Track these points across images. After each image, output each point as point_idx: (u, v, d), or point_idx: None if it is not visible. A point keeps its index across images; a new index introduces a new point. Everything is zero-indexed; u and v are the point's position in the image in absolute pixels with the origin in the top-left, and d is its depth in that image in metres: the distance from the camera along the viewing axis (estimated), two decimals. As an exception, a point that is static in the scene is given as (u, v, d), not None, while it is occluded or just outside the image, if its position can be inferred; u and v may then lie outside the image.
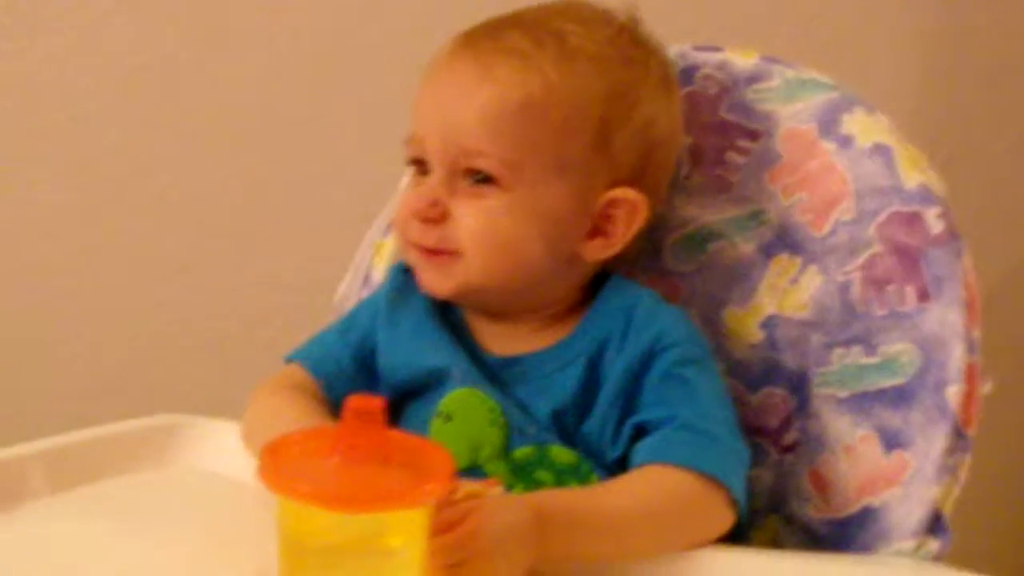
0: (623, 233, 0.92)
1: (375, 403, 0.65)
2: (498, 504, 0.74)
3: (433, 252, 0.90)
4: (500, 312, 0.94)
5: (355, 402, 0.65)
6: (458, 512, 0.71)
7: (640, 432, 0.87)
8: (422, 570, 0.67)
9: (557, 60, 0.89)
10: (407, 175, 1.08)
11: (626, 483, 0.82)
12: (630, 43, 0.93)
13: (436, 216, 0.89)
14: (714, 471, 0.82)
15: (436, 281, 0.91)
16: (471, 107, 0.88)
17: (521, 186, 0.88)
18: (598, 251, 0.92)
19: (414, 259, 0.92)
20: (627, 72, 0.92)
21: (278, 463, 0.65)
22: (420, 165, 0.92)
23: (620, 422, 0.88)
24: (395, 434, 0.67)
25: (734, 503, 0.83)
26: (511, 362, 0.92)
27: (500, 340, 0.94)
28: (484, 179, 0.88)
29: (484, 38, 0.91)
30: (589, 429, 0.89)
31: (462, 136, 0.88)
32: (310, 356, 0.97)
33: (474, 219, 0.88)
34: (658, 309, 0.92)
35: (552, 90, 0.88)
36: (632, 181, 0.92)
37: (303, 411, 0.88)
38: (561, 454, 0.89)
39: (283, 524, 0.65)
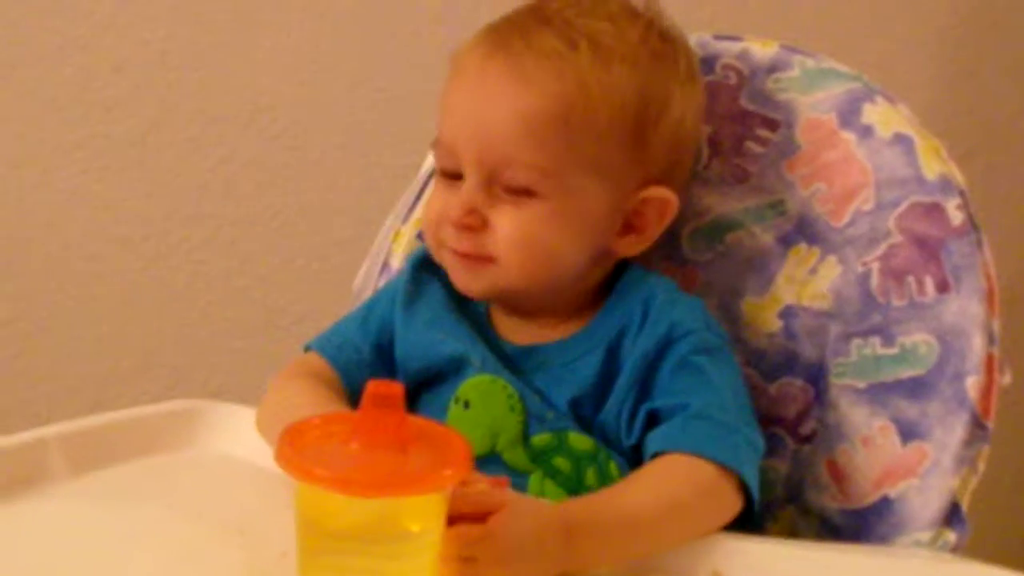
0: (654, 229, 0.93)
1: (395, 388, 0.66)
2: (525, 508, 0.73)
3: (469, 256, 0.90)
4: (523, 305, 0.94)
5: (375, 387, 0.66)
6: (478, 505, 0.70)
7: (653, 419, 0.87)
8: (439, 554, 0.67)
9: (593, 64, 0.88)
10: (428, 163, 1.08)
11: (645, 478, 0.82)
12: (658, 39, 0.92)
13: (474, 224, 0.88)
14: (725, 458, 0.82)
15: (470, 282, 0.91)
16: (510, 117, 0.87)
17: (560, 194, 0.88)
18: (630, 247, 0.93)
19: (448, 260, 0.92)
20: (659, 71, 0.91)
21: (297, 447, 0.65)
22: (451, 170, 0.91)
23: (634, 409, 0.88)
24: (414, 420, 0.68)
25: (745, 490, 0.82)
26: (530, 351, 0.92)
27: (520, 330, 0.94)
28: (524, 190, 0.87)
29: (515, 38, 0.89)
30: (606, 417, 0.89)
31: (501, 146, 0.87)
32: (329, 345, 0.97)
33: (512, 228, 0.88)
34: (675, 298, 0.92)
35: (590, 97, 0.87)
36: (662, 178, 0.92)
37: (319, 399, 0.88)
38: (579, 441, 0.89)
39: (301, 508, 0.66)
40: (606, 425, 0.89)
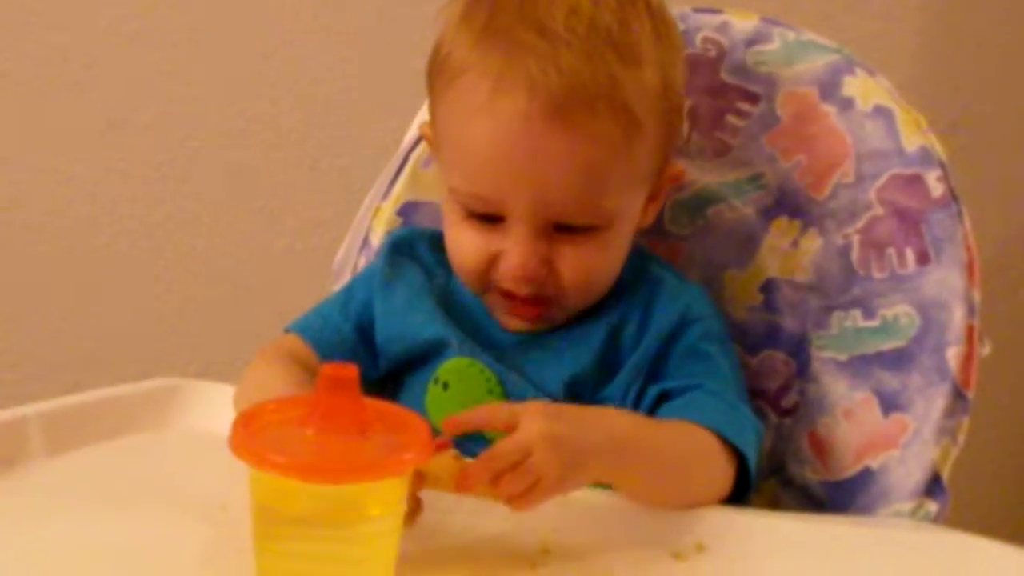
0: (664, 197, 0.95)
1: (350, 371, 0.65)
2: (556, 408, 0.77)
3: (529, 301, 0.89)
4: None
5: (330, 370, 0.64)
6: (519, 449, 0.71)
7: (662, 400, 0.87)
8: (399, 538, 0.66)
9: (628, 77, 0.84)
10: (408, 139, 1.08)
11: (669, 427, 0.82)
12: (661, 22, 0.90)
13: (542, 275, 0.87)
14: (735, 438, 0.83)
15: (531, 319, 0.90)
16: (572, 172, 0.83)
17: (618, 220, 0.88)
18: (650, 218, 0.95)
19: (502, 304, 0.90)
20: (666, 53, 0.89)
21: (252, 433, 0.64)
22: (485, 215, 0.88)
23: (642, 389, 0.89)
24: (371, 402, 0.67)
25: (745, 473, 0.83)
26: (533, 335, 0.92)
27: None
28: (580, 229, 0.86)
29: (545, 70, 0.82)
30: (610, 394, 0.89)
31: (562, 200, 0.84)
32: (310, 327, 0.96)
33: (578, 269, 0.87)
34: (684, 284, 0.94)
35: (640, 121, 0.85)
36: (675, 151, 0.94)
37: (294, 382, 0.87)
38: None
39: (257, 495, 0.64)
40: (607, 403, 0.89)
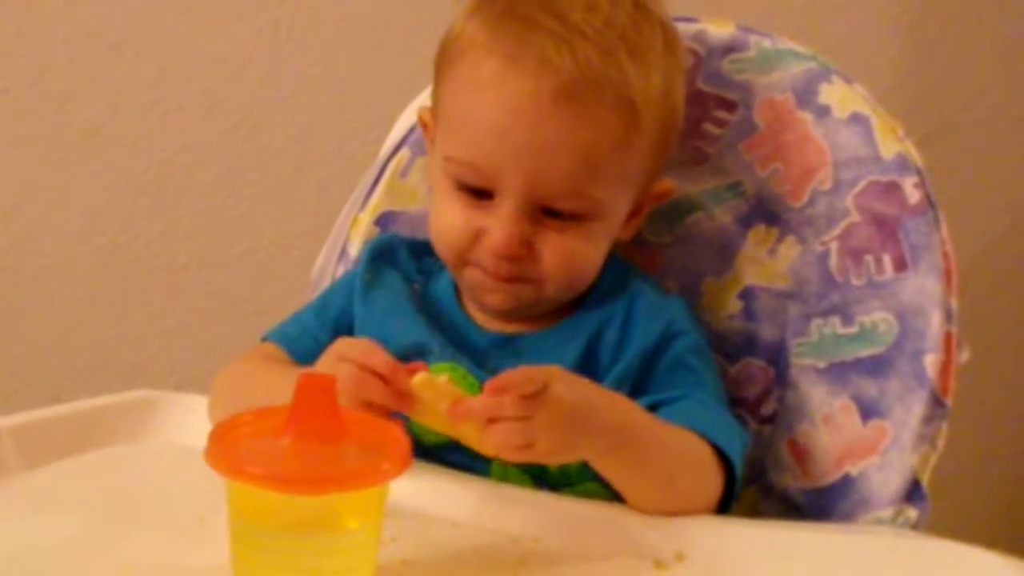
0: (647, 211, 0.95)
1: (327, 380, 0.64)
2: (578, 380, 0.77)
3: (507, 279, 0.89)
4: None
5: (306, 380, 0.64)
6: (532, 383, 0.72)
7: (653, 409, 0.87)
8: (377, 547, 0.66)
9: (639, 80, 0.86)
10: (387, 148, 1.08)
11: (670, 427, 0.83)
12: (672, 37, 0.92)
13: (522, 255, 0.87)
14: (724, 446, 0.83)
15: (508, 302, 0.90)
16: (569, 150, 0.85)
17: (604, 215, 0.89)
18: (631, 231, 0.95)
19: (476, 278, 0.90)
20: (671, 65, 0.91)
21: (228, 444, 0.63)
22: (475, 189, 0.88)
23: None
24: (348, 412, 0.66)
25: (731, 482, 0.84)
26: (509, 338, 0.92)
27: (498, 318, 0.93)
28: (567, 215, 0.87)
29: (561, 54, 0.84)
30: None
31: (557, 179, 0.85)
32: (286, 336, 0.96)
33: (560, 255, 0.88)
34: (664, 297, 0.94)
35: (640, 121, 0.87)
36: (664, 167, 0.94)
37: (277, 374, 0.87)
38: None
39: (234, 507, 0.64)
40: None
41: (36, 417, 0.88)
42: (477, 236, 0.88)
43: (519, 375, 0.74)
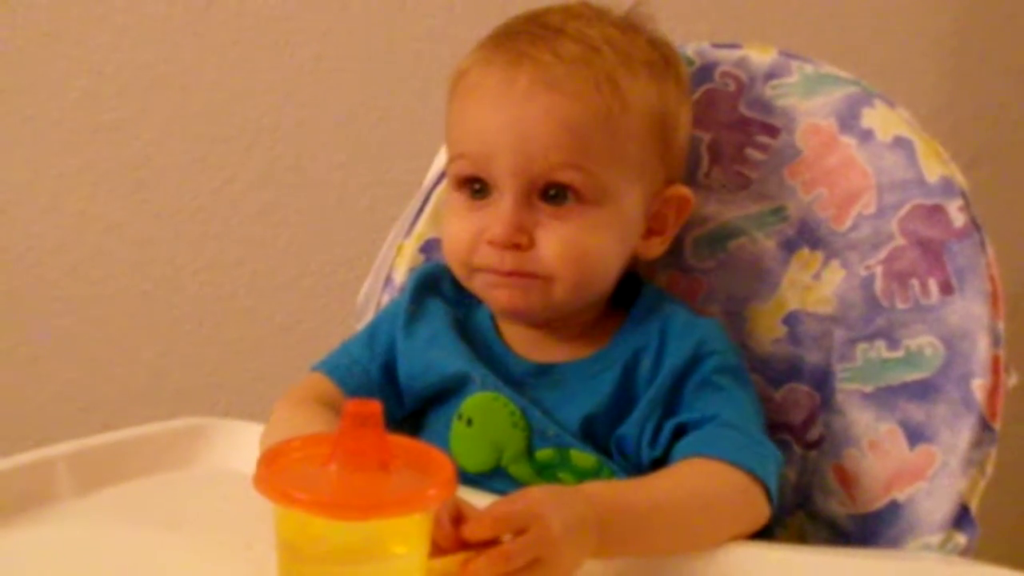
0: (673, 229, 0.95)
1: (373, 407, 0.64)
2: (554, 495, 0.72)
3: (514, 275, 0.88)
4: (549, 321, 0.93)
5: (353, 407, 0.64)
6: (519, 517, 0.69)
7: (679, 434, 0.87)
8: (424, 573, 0.65)
9: (621, 68, 0.88)
10: (432, 176, 1.08)
11: (675, 474, 0.82)
12: (661, 43, 0.94)
13: (522, 242, 0.87)
14: (754, 467, 0.82)
15: (518, 300, 0.89)
16: (551, 124, 0.86)
17: (605, 200, 0.88)
18: (655, 249, 0.95)
19: (488, 281, 0.90)
20: (668, 77, 0.92)
21: (276, 471, 0.64)
22: (474, 184, 0.90)
23: (659, 425, 0.88)
24: (395, 438, 0.66)
25: (769, 501, 0.83)
26: (547, 369, 0.92)
27: (535, 347, 0.94)
28: (565, 197, 0.87)
29: (535, 47, 0.88)
30: (626, 431, 0.89)
31: (543, 152, 0.86)
32: (337, 368, 0.96)
33: (562, 244, 0.87)
34: (696, 319, 0.93)
35: (625, 100, 0.88)
36: (676, 178, 0.94)
37: (321, 423, 0.87)
38: (581, 458, 0.89)
39: (282, 533, 0.64)
40: (624, 440, 0.89)
41: (89, 445, 0.89)
42: (479, 238, 0.89)
43: (501, 514, 0.69)
